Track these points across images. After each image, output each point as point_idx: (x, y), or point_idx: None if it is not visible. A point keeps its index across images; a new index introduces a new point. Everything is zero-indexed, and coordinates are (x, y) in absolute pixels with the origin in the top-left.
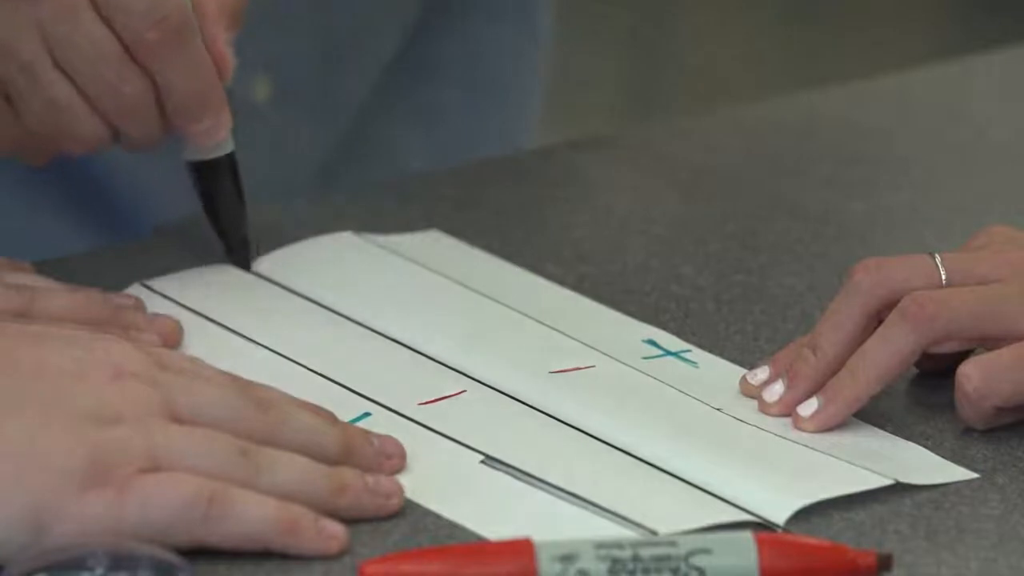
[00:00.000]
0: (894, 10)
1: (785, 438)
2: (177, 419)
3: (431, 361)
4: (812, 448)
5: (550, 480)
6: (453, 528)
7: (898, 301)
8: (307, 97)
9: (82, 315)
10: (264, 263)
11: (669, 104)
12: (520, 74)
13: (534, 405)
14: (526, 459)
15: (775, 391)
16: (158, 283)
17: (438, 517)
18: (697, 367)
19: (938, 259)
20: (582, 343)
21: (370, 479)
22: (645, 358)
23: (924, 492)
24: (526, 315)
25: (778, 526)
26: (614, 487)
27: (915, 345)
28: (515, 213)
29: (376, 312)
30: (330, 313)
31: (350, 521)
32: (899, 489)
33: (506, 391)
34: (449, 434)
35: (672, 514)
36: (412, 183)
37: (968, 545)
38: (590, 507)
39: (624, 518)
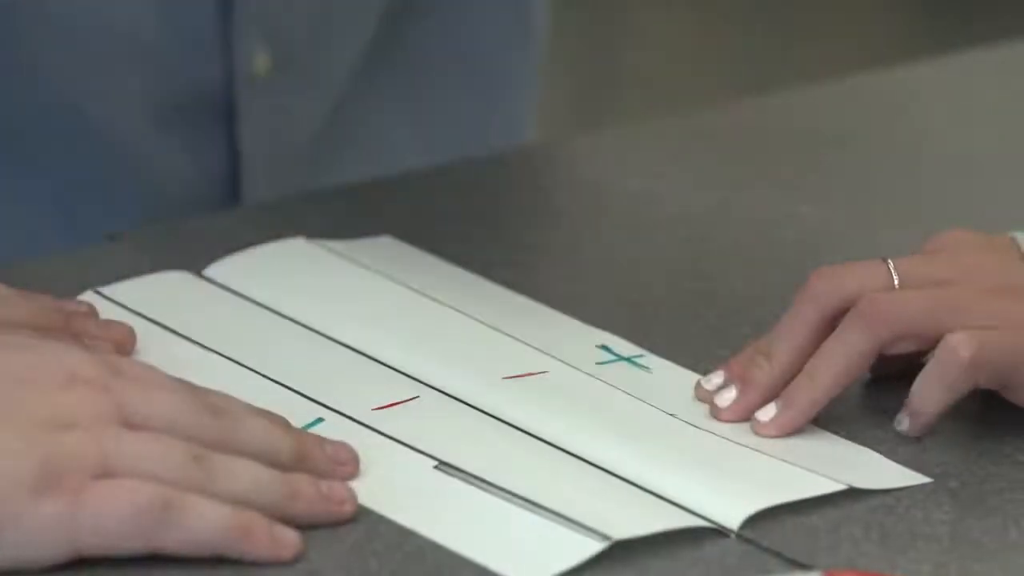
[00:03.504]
0: (846, 15)
1: (738, 443)
2: (130, 425)
3: (385, 366)
4: (765, 454)
5: (503, 486)
6: (406, 535)
7: (851, 306)
8: (302, 67)
9: (34, 322)
10: (216, 269)
11: (620, 110)
12: (511, 58)
13: (487, 411)
14: (480, 465)
15: (727, 397)
16: (110, 290)
17: (392, 523)
18: (651, 372)
19: (891, 265)
20: (535, 349)
21: (323, 485)
22: (599, 363)
23: (877, 497)
24: (479, 321)
25: (732, 531)
26: (568, 492)
27: (870, 346)
28: (468, 219)
29: (328, 317)
30: (282, 319)
31: (303, 528)
32: (852, 494)
33: (459, 397)
34: (403, 440)
35: (627, 519)
36: (366, 189)
37: (921, 550)
38: (544, 512)
39: (579, 523)
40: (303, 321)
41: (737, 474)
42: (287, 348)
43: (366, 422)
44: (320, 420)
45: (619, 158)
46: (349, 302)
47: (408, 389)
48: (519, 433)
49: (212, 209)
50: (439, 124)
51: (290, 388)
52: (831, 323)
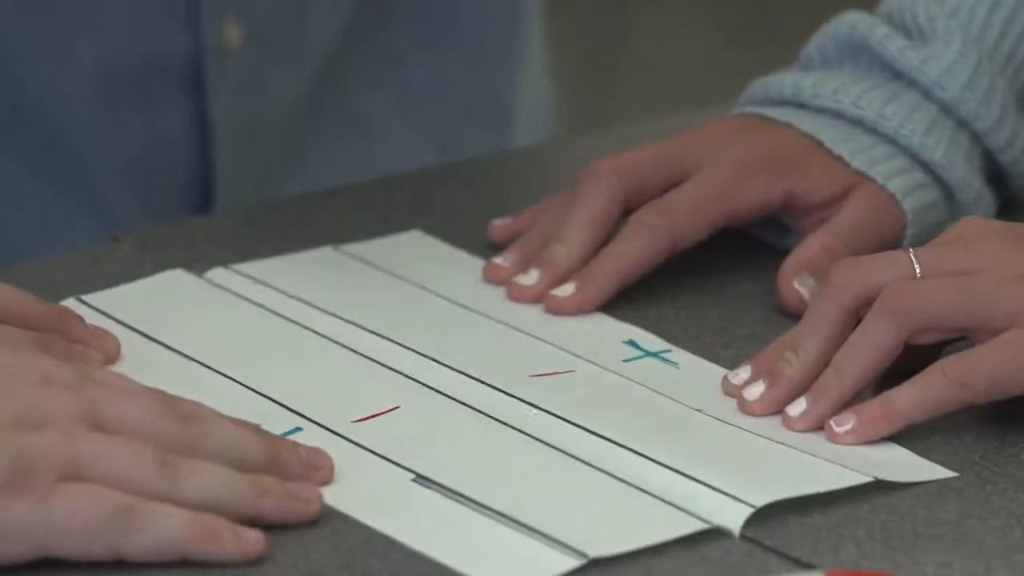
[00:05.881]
0: None
1: (765, 437)
2: (101, 429)
3: (374, 374)
4: (792, 447)
5: (481, 500)
6: (372, 534)
7: (875, 297)
8: (278, 42)
9: (21, 312)
10: (217, 274)
11: (620, 110)
12: (498, 39)
13: (514, 409)
14: (458, 478)
15: (756, 391)
16: (93, 298)
17: (360, 525)
18: (677, 367)
19: (912, 254)
20: (562, 349)
21: (290, 484)
22: (625, 360)
23: (881, 497)
24: (506, 324)
25: (753, 506)
26: (547, 506)
27: (896, 337)
28: (469, 218)
29: (350, 322)
30: (272, 324)
31: (269, 531)
32: (856, 494)
33: (484, 395)
34: (380, 452)
35: (606, 536)
36: (367, 187)
37: (924, 550)
38: (519, 527)
39: (555, 540)
40: (309, 324)
41: (762, 466)
42: (271, 357)
43: (345, 433)
44: (298, 429)
45: None
46: (374, 309)
47: (390, 400)
48: (502, 444)
49: (183, 186)
50: (421, 103)
51: (269, 398)
52: (855, 315)
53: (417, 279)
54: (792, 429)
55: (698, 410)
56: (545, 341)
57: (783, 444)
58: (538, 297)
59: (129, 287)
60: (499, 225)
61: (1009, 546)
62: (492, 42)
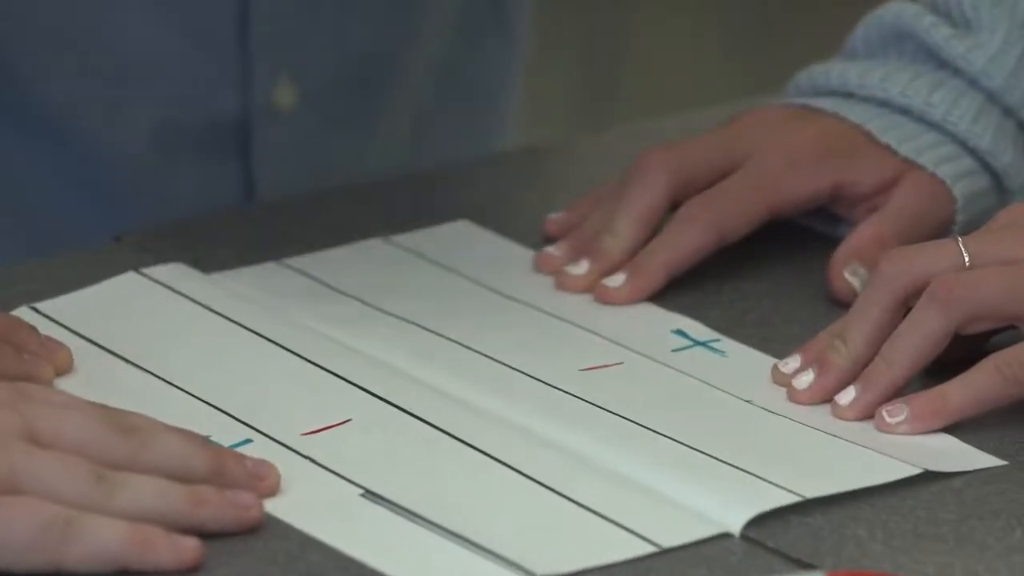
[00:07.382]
0: (847, 15)
1: (815, 428)
2: (39, 444)
3: (327, 386)
4: (841, 438)
5: (429, 518)
6: (307, 541)
7: (924, 287)
8: (333, 107)
9: None
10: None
11: (620, 110)
12: (500, 83)
13: (566, 404)
14: (406, 495)
15: (805, 380)
16: (46, 306)
17: (297, 532)
18: (726, 356)
19: (960, 242)
20: (610, 340)
21: (228, 492)
22: (674, 350)
23: (882, 497)
24: (555, 315)
25: (800, 495)
26: (495, 524)
27: (946, 327)
28: (470, 218)
29: (410, 316)
30: (234, 331)
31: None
32: (857, 493)
33: (537, 392)
34: (329, 466)
35: (551, 554)
36: (367, 188)
37: (925, 550)
38: (466, 544)
39: (502, 558)
40: (323, 326)
41: (814, 458)
42: (224, 367)
43: (294, 446)
44: (248, 441)
45: (619, 158)
46: (429, 303)
47: (341, 412)
48: (453, 459)
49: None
50: (426, 145)
51: (220, 410)
52: (904, 304)
53: (466, 271)
54: (842, 418)
55: (747, 401)
56: (594, 332)
57: (833, 435)
58: (588, 287)
59: (83, 293)
60: (553, 219)
61: (1010, 546)
62: (497, 83)
